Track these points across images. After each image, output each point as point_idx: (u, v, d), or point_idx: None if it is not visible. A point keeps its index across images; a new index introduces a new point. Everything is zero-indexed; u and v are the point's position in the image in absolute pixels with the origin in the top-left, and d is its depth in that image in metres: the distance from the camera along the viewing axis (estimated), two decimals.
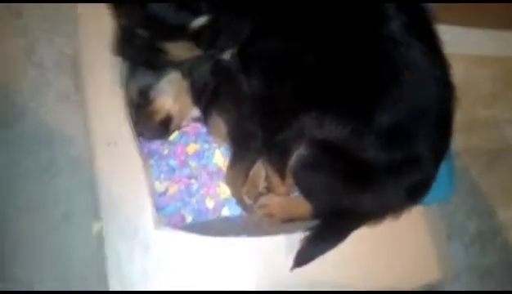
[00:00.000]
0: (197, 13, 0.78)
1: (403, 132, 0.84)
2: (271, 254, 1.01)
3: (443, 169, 0.92)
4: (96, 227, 1.02)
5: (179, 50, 0.88)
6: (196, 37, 0.83)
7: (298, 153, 0.90)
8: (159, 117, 1.00)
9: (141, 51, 0.90)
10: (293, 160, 0.91)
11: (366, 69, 0.82)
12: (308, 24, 0.79)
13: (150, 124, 1.00)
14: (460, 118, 0.89)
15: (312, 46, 0.80)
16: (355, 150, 0.85)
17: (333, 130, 0.85)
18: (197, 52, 0.88)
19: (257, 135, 0.97)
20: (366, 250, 1.01)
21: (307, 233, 0.94)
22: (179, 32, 0.82)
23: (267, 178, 1.03)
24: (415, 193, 0.91)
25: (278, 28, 0.81)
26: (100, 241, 0.98)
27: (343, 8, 0.79)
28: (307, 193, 0.96)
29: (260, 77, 0.87)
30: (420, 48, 0.81)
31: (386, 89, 0.82)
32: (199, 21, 0.79)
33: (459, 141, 0.94)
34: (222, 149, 1.07)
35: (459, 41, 0.86)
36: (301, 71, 0.83)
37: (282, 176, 0.98)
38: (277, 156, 0.96)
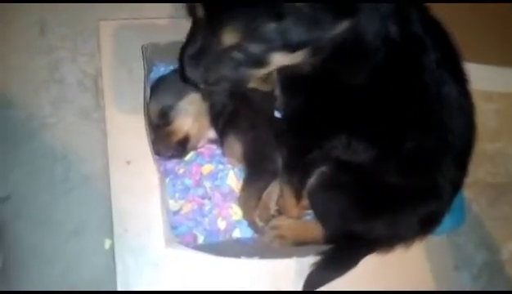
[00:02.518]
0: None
1: (427, 161, 0.86)
2: (280, 278, 1.02)
3: (455, 200, 0.93)
4: (108, 242, 1.03)
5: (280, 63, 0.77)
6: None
7: (320, 171, 0.91)
8: (178, 137, 1.02)
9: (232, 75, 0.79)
10: (312, 179, 0.92)
11: (402, 97, 0.82)
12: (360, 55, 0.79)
13: (168, 143, 1.02)
14: None
15: (358, 72, 0.80)
16: (377, 174, 0.87)
17: (359, 152, 0.87)
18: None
19: (273, 157, 0.99)
20: (371, 277, 1.02)
21: (318, 258, 0.95)
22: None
23: (279, 201, 1.04)
24: (427, 224, 0.92)
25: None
26: (112, 256, 1.00)
27: (389, 37, 0.78)
28: (320, 214, 0.97)
29: (306, 98, 0.87)
30: (453, 84, 0.83)
31: (417, 118, 0.83)
32: (341, 27, 0.71)
33: None
34: (235, 170, 1.08)
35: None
36: (344, 94, 0.83)
37: (298, 197, 0.98)
38: (298, 176, 0.96)
